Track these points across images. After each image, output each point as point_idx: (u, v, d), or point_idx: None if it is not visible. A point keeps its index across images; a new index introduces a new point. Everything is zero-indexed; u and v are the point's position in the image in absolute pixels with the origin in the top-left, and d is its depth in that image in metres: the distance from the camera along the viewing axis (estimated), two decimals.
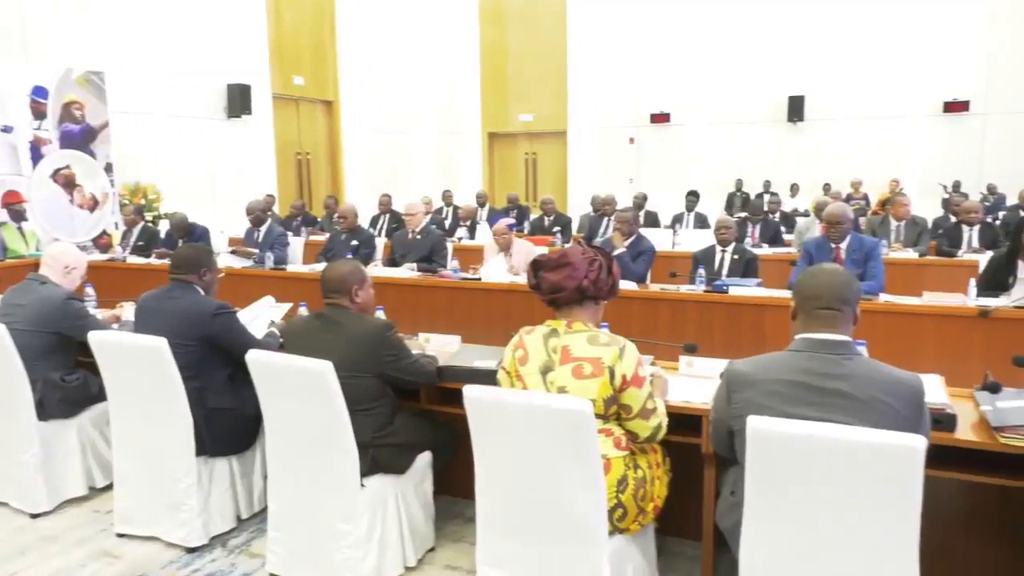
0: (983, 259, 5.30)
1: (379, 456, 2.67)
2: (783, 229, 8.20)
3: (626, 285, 4.91)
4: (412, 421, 2.85)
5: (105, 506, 3.34)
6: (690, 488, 2.62)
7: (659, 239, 7.64)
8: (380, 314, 3.42)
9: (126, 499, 3.08)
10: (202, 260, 3.20)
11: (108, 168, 8.27)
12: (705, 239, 6.11)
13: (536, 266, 2.40)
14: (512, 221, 6.11)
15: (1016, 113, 12.35)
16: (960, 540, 2.66)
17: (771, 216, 8.57)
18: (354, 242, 6.17)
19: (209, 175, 10.48)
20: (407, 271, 5.61)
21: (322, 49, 13.03)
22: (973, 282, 4.46)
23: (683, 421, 2.53)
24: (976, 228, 6.62)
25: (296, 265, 6.48)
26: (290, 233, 7.66)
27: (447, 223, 9.54)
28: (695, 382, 2.74)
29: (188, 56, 10.09)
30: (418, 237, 6.02)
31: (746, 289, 4.61)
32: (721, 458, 2.31)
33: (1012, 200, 10.55)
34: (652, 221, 9.16)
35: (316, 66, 12.96)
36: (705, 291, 4.65)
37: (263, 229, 6.59)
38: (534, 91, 15.55)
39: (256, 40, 11.27)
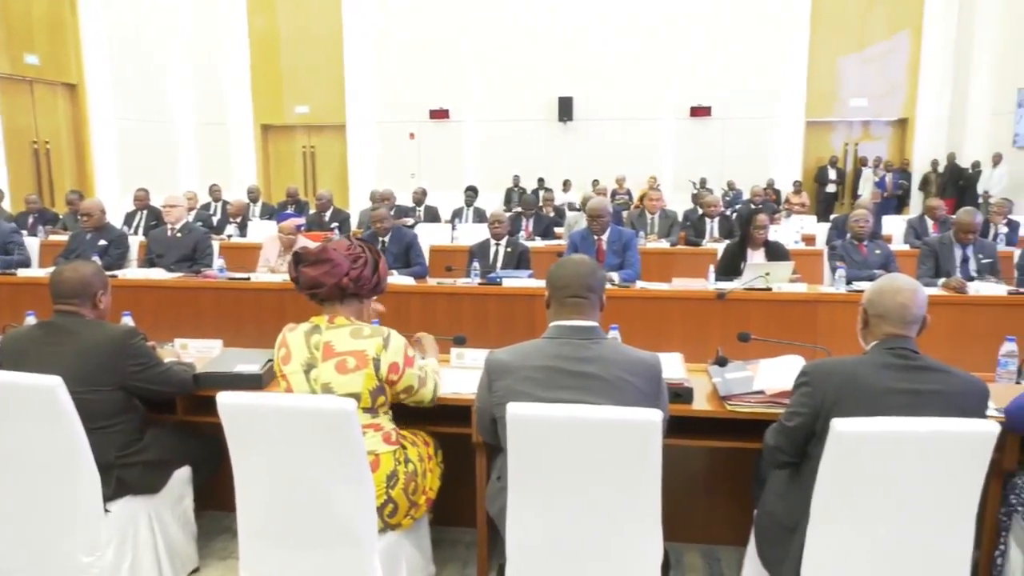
0: (721, 248, 5.95)
1: (126, 476, 2.41)
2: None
3: (408, 280, 4.92)
4: (166, 435, 2.61)
5: None
6: (465, 477, 2.67)
7: (438, 233, 7.76)
8: (127, 320, 3.11)
9: None
10: None
11: None
12: (484, 233, 6.27)
13: (297, 259, 2.32)
14: (302, 221, 5.83)
15: (748, 119, 14.10)
16: (701, 500, 2.97)
17: (543, 211, 8.99)
18: (102, 242, 5.54)
19: None
20: (165, 272, 5.17)
21: (60, 25, 11.55)
22: (712, 268, 5.01)
23: (454, 412, 2.57)
24: (716, 220, 7.43)
25: (32, 269, 5.70)
26: (24, 232, 6.74)
27: (215, 220, 8.92)
28: (465, 373, 2.78)
29: None
30: (178, 235, 5.54)
31: (518, 280, 4.79)
32: (490, 446, 2.38)
33: (748, 196, 12.01)
34: (432, 216, 9.24)
35: (54, 44, 11.47)
36: (480, 283, 4.77)
37: None
38: (310, 82, 15.03)
39: None
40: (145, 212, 8.00)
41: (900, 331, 1.99)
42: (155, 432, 2.58)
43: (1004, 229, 7.25)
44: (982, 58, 12.89)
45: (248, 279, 4.92)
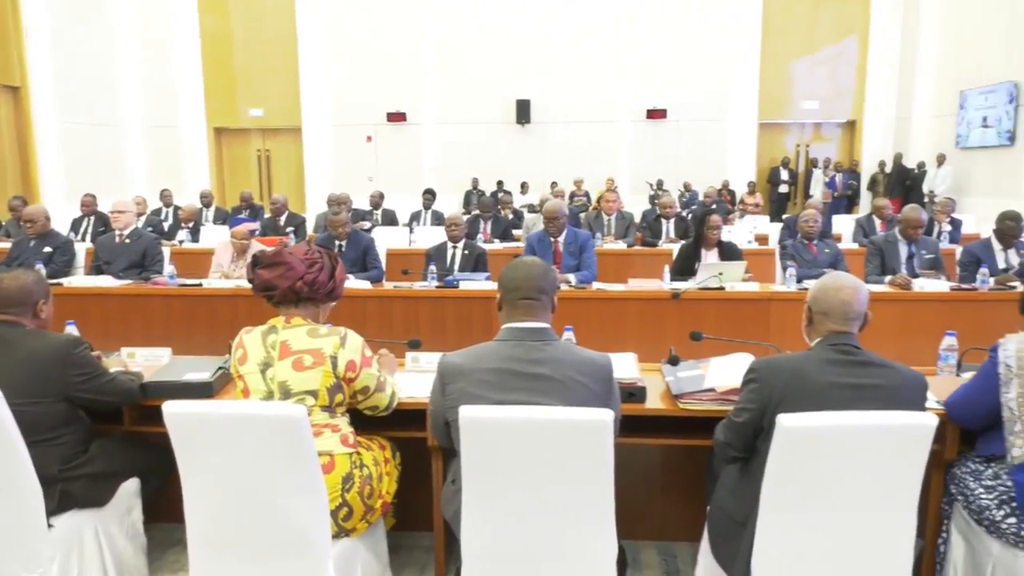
0: (677, 248, 6.02)
1: (71, 490, 2.35)
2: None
3: (364, 284, 4.88)
4: (113, 446, 2.55)
5: None
6: (421, 481, 2.66)
7: (396, 237, 7.72)
8: (71, 329, 3.03)
9: None
10: None
11: None
12: (442, 236, 6.26)
13: (254, 261, 2.36)
14: (256, 226, 5.73)
15: (702, 121, 14.31)
16: (656, 498, 3.00)
17: (501, 213, 9.00)
18: (47, 249, 5.39)
19: None
20: (113, 279, 5.04)
21: (2, 26, 11.20)
22: (667, 268, 5.07)
23: (410, 416, 2.56)
24: (672, 221, 7.53)
25: None
26: None
27: (166, 225, 8.74)
28: (421, 377, 2.78)
29: None
30: (127, 241, 5.41)
31: (475, 283, 4.79)
32: (446, 449, 2.37)
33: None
34: (390, 219, 9.18)
35: None
36: (437, 287, 4.76)
37: None
38: (264, 85, 14.82)
39: None
40: (92, 218, 7.80)
41: (843, 328, 2.04)
42: (101, 443, 2.51)
43: (948, 227, 7.50)
44: (926, 62, 13.30)
45: (200, 285, 4.84)
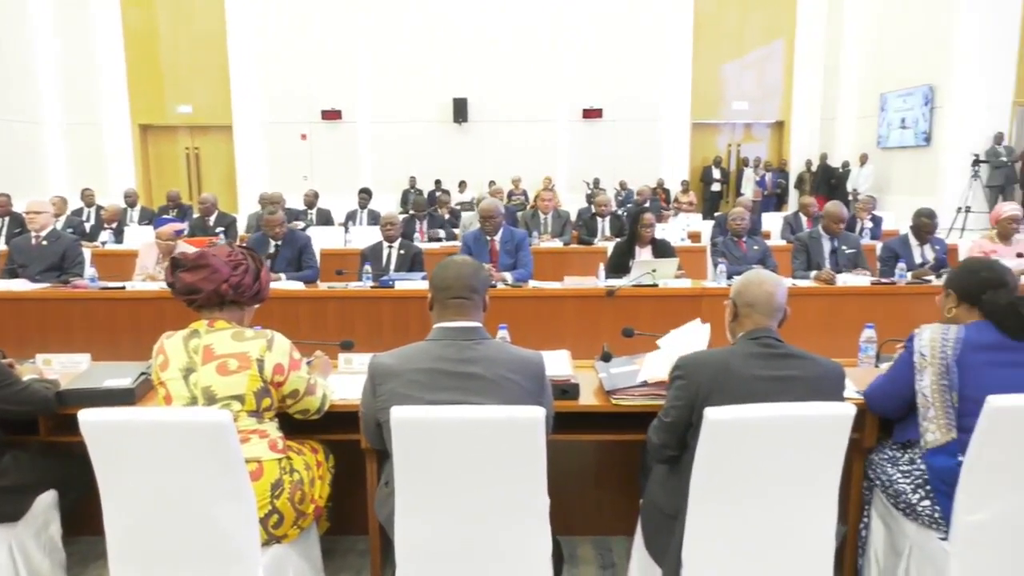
0: (612, 246, 6.09)
1: None
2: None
3: (297, 285, 4.79)
4: (27, 458, 2.43)
5: None
6: (356, 484, 2.62)
7: (331, 237, 7.60)
8: None
9: None
10: None
11: None
12: (379, 236, 6.17)
13: (174, 264, 2.27)
14: (182, 227, 5.53)
15: (637, 120, 14.55)
16: (592, 493, 3.03)
17: (438, 211, 8.96)
18: None
19: None
20: (29, 283, 4.82)
21: None
22: (602, 266, 5.13)
23: (343, 418, 2.52)
24: (608, 219, 7.61)
25: None
26: None
27: (88, 226, 8.39)
28: (354, 379, 2.73)
29: None
30: (44, 243, 5.17)
31: (411, 283, 4.75)
32: (379, 451, 2.34)
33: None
34: (325, 219, 9.03)
35: None
36: (372, 287, 4.70)
37: None
38: (193, 81, 14.40)
39: None
40: (7, 219, 7.43)
41: (766, 321, 2.10)
42: (14, 455, 2.39)
43: (869, 224, 7.80)
44: (849, 66, 13.84)
45: (123, 288, 4.66)
